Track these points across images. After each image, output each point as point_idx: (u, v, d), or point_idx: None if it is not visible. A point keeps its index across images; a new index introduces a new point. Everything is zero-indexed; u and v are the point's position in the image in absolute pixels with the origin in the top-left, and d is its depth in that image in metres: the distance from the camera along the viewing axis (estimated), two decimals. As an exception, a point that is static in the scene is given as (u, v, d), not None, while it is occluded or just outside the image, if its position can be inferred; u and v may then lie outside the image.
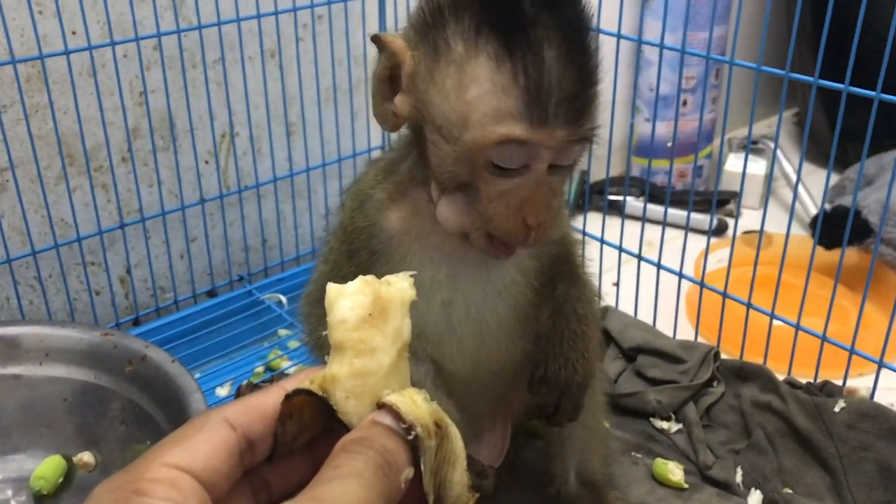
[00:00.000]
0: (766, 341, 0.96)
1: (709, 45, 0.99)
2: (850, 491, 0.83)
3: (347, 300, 0.44)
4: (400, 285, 0.45)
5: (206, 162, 1.17)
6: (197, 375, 1.11)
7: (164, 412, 0.84)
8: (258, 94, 1.17)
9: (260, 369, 1.12)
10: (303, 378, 0.45)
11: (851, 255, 1.31)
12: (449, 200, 0.62)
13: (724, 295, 0.99)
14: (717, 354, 0.99)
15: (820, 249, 1.12)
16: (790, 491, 0.85)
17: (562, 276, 0.72)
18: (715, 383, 0.97)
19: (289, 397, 0.43)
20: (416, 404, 0.43)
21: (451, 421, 0.44)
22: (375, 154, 1.31)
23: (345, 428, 0.43)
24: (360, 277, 0.44)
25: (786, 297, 0.97)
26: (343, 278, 0.47)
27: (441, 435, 0.43)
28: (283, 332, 1.20)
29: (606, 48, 0.92)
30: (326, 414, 0.44)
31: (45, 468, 0.84)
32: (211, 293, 1.23)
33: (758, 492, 0.85)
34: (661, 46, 1.00)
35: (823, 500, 0.83)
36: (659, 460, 0.87)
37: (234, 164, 1.19)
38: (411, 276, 0.45)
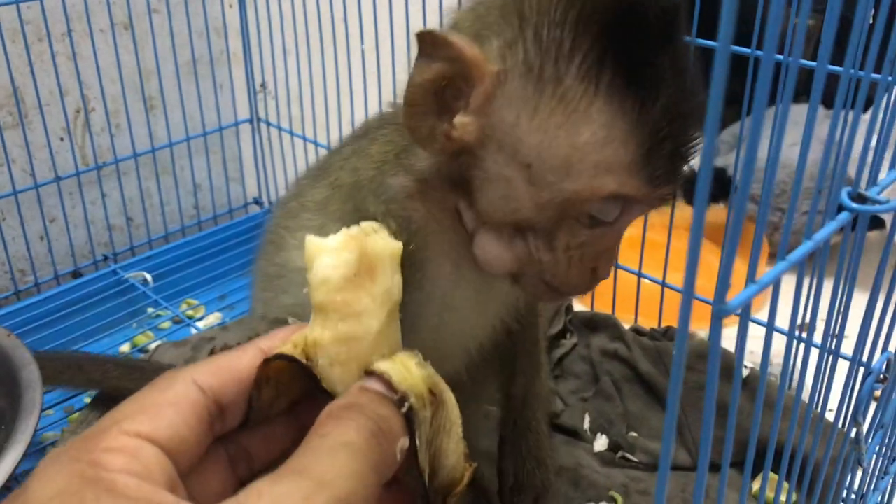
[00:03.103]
0: (613, 292, 0.99)
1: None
2: (690, 430, 0.85)
3: (329, 257, 0.40)
4: (387, 238, 0.41)
5: (61, 139, 1.15)
6: (62, 358, 1.09)
7: (-1, 387, 0.82)
8: (112, 68, 1.14)
9: (126, 348, 1.11)
10: (282, 337, 0.41)
11: (720, 213, 1.35)
12: (494, 237, 0.52)
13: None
14: (569, 308, 1.00)
15: (687, 208, 1.14)
16: (635, 434, 0.86)
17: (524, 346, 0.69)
18: (567, 335, 0.99)
19: (267, 361, 0.40)
20: (408, 371, 0.39)
21: (446, 385, 0.41)
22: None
23: (329, 396, 0.40)
24: (344, 230, 0.40)
25: (651, 254, 0.98)
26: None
27: (436, 403, 0.40)
28: (150, 310, 1.18)
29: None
30: (307, 379, 0.40)
31: None
32: (75, 274, 1.20)
33: (604, 436, 0.87)
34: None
35: (666, 440, 0.85)
36: (509, 410, 0.88)
37: (90, 141, 1.16)
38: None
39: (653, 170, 0.48)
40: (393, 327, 0.41)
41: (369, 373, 0.39)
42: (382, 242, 0.41)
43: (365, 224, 0.42)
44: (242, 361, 0.40)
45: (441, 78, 0.49)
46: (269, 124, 1.31)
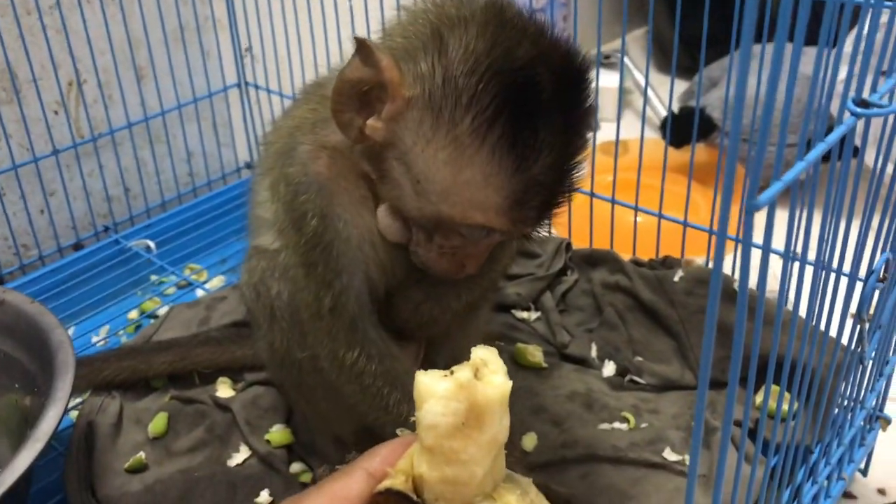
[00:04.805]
0: (611, 227, 1.02)
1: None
2: (693, 351, 0.89)
3: (438, 405, 0.40)
4: (497, 382, 0.41)
5: (56, 112, 1.16)
6: (71, 328, 1.11)
7: (28, 353, 0.84)
8: (102, 40, 1.15)
9: (134, 314, 1.13)
10: (386, 458, 0.44)
11: (700, 152, 1.39)
12: (390, 213, 0.63)
13: (591, 195, 1.03)
14: (568, 245, 1.04)
15: (672, 150, 1.18)
16: (640, 359, 0.91)
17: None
18: (568, 272, 1.02)
19: (380, 493, 0.42)
20: None
21: None
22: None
23: None
24: (454, 378, 0.40)
25: (643, 195, 1.02)
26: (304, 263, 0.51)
27: None
28: (154, 277, 1.20)
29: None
30: None
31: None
32: (77, 246, 1.22)
33: (611, 363, 0.91)
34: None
35: (671, 362, 0.90)
36: (519, 344, 0.92)
37: (84, 113, 1.17)
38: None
39: (520, 214, 0.58)
40: (498, 464, 0.43)
41: None
42: (492, 389, 0.40)
43: (475, 356, 0.42)
44: (353, 489, 0.43)
45: (364, 82, 0.56)
46: (256, 87, 1.33)
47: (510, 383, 0.41)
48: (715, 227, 0.96)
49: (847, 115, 0.45)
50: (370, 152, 0.61)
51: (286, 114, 0.72)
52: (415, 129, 0.57)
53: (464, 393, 0.40)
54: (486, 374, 0.41)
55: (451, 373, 0.41)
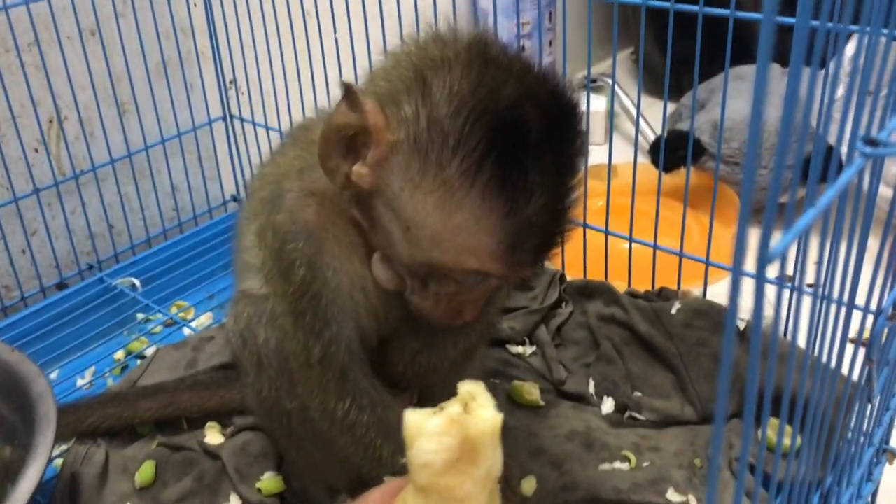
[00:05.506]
0: (605, 259, 1.00)
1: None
2: (693, 385, 0.87)
3: (430, 442, 0.39)
4: (488, 415, 0.40)
5: (36, 150, 1.13)
6: (56, 370, 1.08)
7: (7, 403, 0.82)
8: (83, 76, 1.13)
9: (120, 354, 1.10)
10: (379, 501, 0.44)
11: (691, 175, 1.38)
12: (384, 261, 0.61)
13: (584, 226, 1.01)
14: (562, 277, 1.02)
15: (662, 174, 1.17)
16: (640, 394, 0.89)
17: None
18: (563, 304, 1.01)
19: None
20: None
21: None
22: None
23: None
24: (445, 413, 0.40)
25: (636, 221, 1.00)
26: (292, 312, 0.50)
27: None
28: (140, 315, 1.17)
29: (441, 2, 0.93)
30: None
31: None
32: (60, 286, 1.19)
33: (610, 399, 0.89)
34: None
35: (670, 397, 0.88)
36: (516, 382, 0.90)
37: (66, 150, 1.15)
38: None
39: (515, 258, 0.55)
40: (493, 499, 0.42)
41: None
42: (482, 422, 0.40)
43: (463, 391, 0.41)
44: None
45: (350, 127, 0.55)
46: (242, 120, 1.31)
47: (501, 415, 0.40)
48: (711, 257, 0.94)
49: (857, 154, 0.44)
50: (359, 199, 0.59)
51: (271, 160, 0.71)
52: (402, 173, 0.55)
53: (456, 427, 0.39)
54: (475, 407, 0.41)
55: (441, 409, 0.40)
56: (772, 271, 0.36)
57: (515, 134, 0.53)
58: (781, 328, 0.89)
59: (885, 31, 0.53)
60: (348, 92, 0.54)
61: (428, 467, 0.39)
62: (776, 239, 0.35)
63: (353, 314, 0.63)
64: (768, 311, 0.93)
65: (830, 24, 0.55)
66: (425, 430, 0.39)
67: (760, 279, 0.37)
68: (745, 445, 0.39)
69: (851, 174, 0.42)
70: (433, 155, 0.53)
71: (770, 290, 0.43)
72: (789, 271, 0.42)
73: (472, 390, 0.41)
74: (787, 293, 0.85)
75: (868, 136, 0.44)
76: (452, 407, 0.40)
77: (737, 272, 0.34)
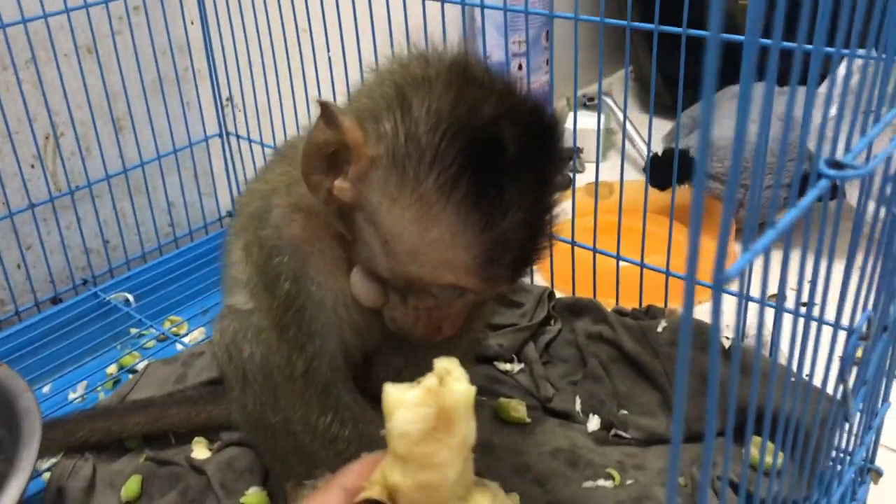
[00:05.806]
0: (593, 277, 1.01)
1: (551, 2, 0.99)
2: (679, 403, 0.87)
3: (408, 412, 0.42)
4: (462, 388, 0.42)
5: (32, 166, 1.14)
6: (48, 384, 1.09)
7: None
8: (79, 93, 1.14)
9: (112, 369, 1.11)
10: (359, 472, 0.45)
11: (684, 193, 1.38)
12: (364, 276, 0.61)
13: (573, 244, 1.02)
14: (551, 294, 1.03)
15: (656, 192, 1.17)
16: (626, 412, 0.89)
17: None
18: (552, 321, 1.01)
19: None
20: None
21: None
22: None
23: None
24: (423, 385, 0.42)
25: (626, 238, 1.01)
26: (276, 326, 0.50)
27: None
28: (133, 330, 1.18)
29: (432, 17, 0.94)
30: None
31: None
32: (55, 300, 1.20)
33: (596, 417, 0.89)
34: (483, 7, 0.99)
35: (656, 415, 0.88)
36: (502, 399, 0.90)
37: (61, 166, 1.16)
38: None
39: (491, 272, 0.56)
40: (467, 467, 0.44)
41: None
42: (457, 394, 0.42)
43: (439, 367, 0.43)
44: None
45: (330, 144, 0.56)
46: (238, 137, 1.32)
47: (474, 388, 0.42)
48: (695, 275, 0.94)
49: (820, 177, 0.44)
50: (342, 213, 0.60)
51: (260, 176, 0.72)
52: (380, 188, 0.56)
53: (432, 398, 0.42)
54: (450, 381, 0.43)
55: (418, 383, 0.43)
56: (755, 289, 0.36)
57: (492, 151, 0.54)
58: (755, 344, 0.89)
59: (860, 51, 0.54)
60: (325, 110, 0.55)
61: (406, 436, 0.42)
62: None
63: (336, 329, 0.63)
64: (751, 332, 0.93)
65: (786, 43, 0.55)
66: (404, 401, 0.42)
67: (717, 298, 0.37)
68: (725, 464, 0.40)
69: (813, 197, 0.43)
70: (410, 170, 0.54)
71: (752, 309, 0.43)
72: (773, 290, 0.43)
73: (448, 366, 0.43)
74: (770, 312, 0.85)
75: (832, 158, 0.44)
76: (429, 380, 0.43)
77: (717, 290, 0.35)
